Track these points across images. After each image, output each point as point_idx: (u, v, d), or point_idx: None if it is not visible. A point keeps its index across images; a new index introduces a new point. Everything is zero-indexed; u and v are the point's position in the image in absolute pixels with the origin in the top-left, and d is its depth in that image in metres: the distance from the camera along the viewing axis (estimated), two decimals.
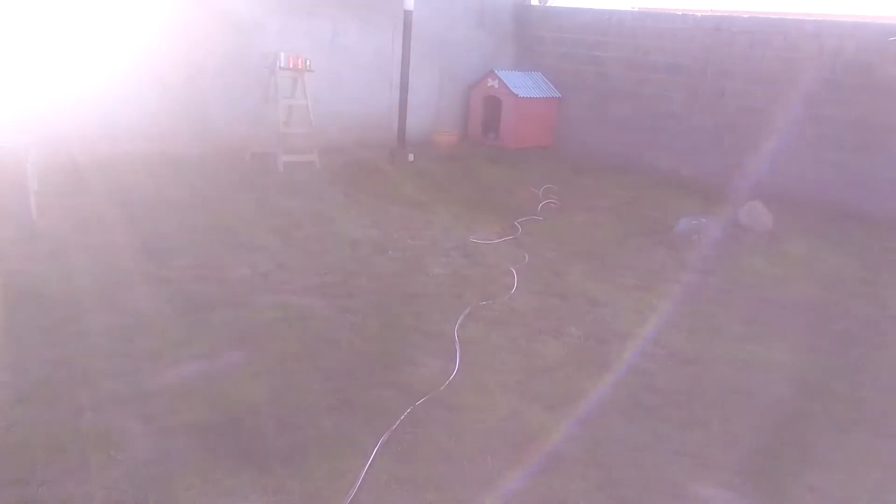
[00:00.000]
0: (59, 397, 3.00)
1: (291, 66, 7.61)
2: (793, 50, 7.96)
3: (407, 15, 8.16)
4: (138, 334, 3.63)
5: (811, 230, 6.80)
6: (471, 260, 5.30)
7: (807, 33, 7.89)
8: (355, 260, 5.04)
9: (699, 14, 9.01)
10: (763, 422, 3.34)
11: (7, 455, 2.63)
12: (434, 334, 3.95)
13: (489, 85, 9.90)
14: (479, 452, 2.88)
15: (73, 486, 2.48)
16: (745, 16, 8.58)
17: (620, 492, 2.71)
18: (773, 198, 7.22)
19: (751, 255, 5.92)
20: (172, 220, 5.53)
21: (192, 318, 3.86)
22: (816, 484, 2.86)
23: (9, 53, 6.43)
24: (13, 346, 3.42)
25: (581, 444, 3.00)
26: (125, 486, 2.50)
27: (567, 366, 3.72)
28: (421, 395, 3.24)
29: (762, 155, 8.23)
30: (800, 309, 4.83)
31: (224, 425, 2.90)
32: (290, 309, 4.11)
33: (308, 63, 7.69)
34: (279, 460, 2.71)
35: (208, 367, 3.36)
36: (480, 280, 4.90)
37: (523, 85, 9.87)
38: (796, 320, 4.63)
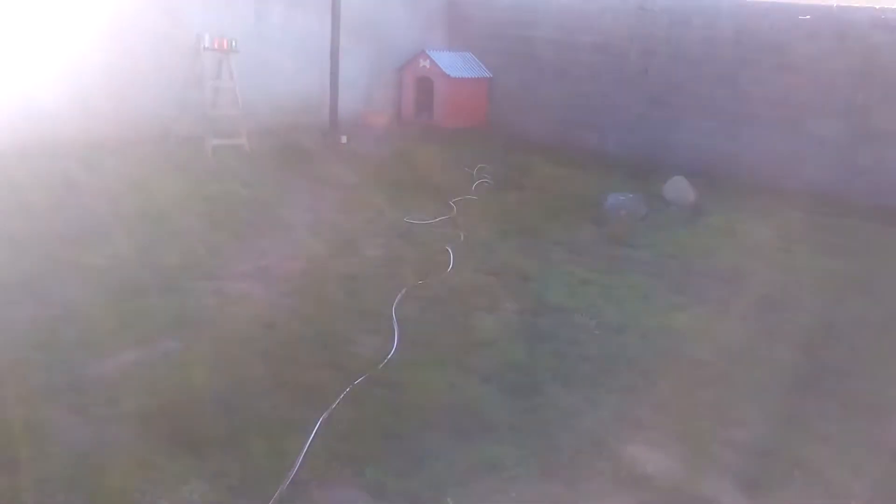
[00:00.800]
0: None
1: (216, 46, 7.42)
2: (711, 28, 8.30)
3: None
4: (67, 325, 3.53)
5: (732, 204, 7.14)
6: (406, 240, 5.35)
7: (724, 12, 8.24)
8: (289, 243, 5.02)
9: None
10: (686, 384, 3.54)
11: None
12: (371, 314, 4.00)
13: (421, 65, 9.91)
14: (418, 427, 2.96)
15: (3, 481, 2.42)
16: None
17: (554, 456, 2.85)
18: (696, 173, 7.56)
19: (674, 228, 6.20)
20: (98, 207, 5.35)
21: (124, 307, 3.78)
22: (734, 440, 3.07)
23: None
24: None
25: (516, 413, 3.12)
26: (58, 478, 2.46)
27: (503, 339, 3.84)
28: (359, 374, 3.29)
29: (685, 131, 8.58)
30: (721, 277, 5.11)
31: (161, 412, 2.87)
32: (225, 294, 4.07)
33: (234, 44, 7.51)
34: (218, 443, 2.71)
35: (143, 356, 3.31)
36: (416, 260, 4.96)
37: (455, 65, 9.94)
38: (718, 288, 4.90)
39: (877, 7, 7.41)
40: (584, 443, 2.96)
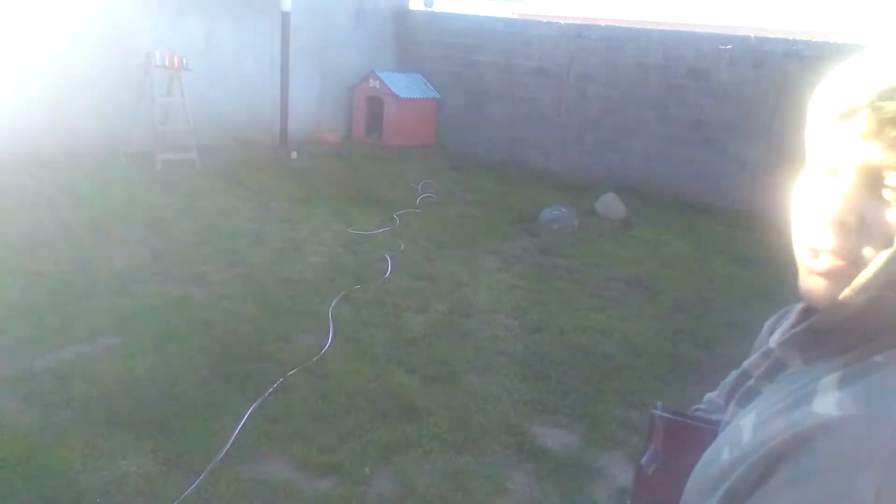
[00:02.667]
0: None
1: (167, 64, 7.64)
2: (643, 56, 8.89)
3: (284, 16, 8.42)
4: (13, 324, 3.73)
5: (659, 218, 7.65)
6: (348, 249, 5.66)
7: (654, 41, 8.84)
8: (233, 251, 5.28)
9: (562, 22, 9.82)
10: (593, 374, 3.92)
11: None
12: (309, 314, 4.29)
13: (371, 85, 10.28)
14: (344, 410, 3.26)
15: None
16: (603, 24, 9.47)
17: (466, 434, 3.18)
18: (629, 190, 8.06)
19: (603, 240, 6.65)
20: (45, 217, 5.53)
21: (68, 308, 4.00)
22: (624, 419, 3.45)
23: None
24: None
25: (436, 399, 3.45)
26: (4, 457, 2.69)
27: (430, 336, 4.17)
28: (294, 367, 3.58)
29: (619, 151, 9.12)
30: (640, 284, 5.55)
31: (103, 399, 3.12)
32: (167, 296, 4.31)
33: (184, 61, 7.75)
34: (155, 425, 2.97)
35: (87, 351, 3.54)
36: (356, 266, 5.27)
37: (404, 86, 10.34)
38: (636, 293, 5.33)
39: (789, 38, 8.08)
40: (496, 423, 3.30)
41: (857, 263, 0.62)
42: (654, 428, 0.90)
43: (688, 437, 0.85)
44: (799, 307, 0.76)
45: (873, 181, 0.62)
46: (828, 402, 0.59)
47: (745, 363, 0.80)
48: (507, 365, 3.90)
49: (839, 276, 0.63)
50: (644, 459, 0.90)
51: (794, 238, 0.72)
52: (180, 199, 6.51)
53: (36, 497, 2.52)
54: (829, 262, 0.65)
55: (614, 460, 3.12)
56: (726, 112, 8.40)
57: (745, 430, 0.66)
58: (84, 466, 2.65)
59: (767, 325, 0.85)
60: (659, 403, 0.91)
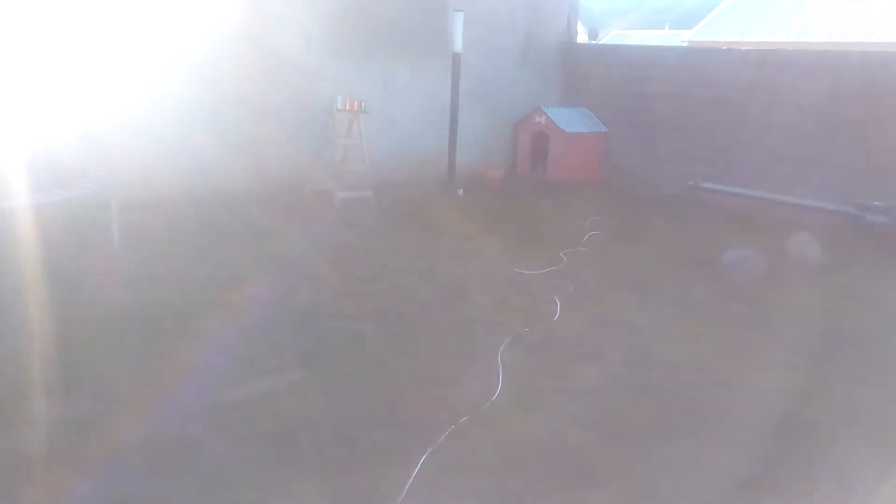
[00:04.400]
0: (144, 411, 3.37)
1: (348, 107, 8.09)
2: (839, 82, 8.02)
3: (455, 57, 8.61)
4: (208, 356, 3.99)
5: (861, 263, 6.75)
6: (516, 289, 5.54)
7: (853, 65, 7.95)
8: (405, 289, 5.35)
9: (744, 48, 9.16)
10: (799, 444, 3.44)
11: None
12: (477, 356, 4.20)
13: (537, 121, 10.22)
14: (518, 466, 3.09)
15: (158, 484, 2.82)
16: (791, 49, 8.70)
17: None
18: (821, 229, 7.24)
19: (797, 286, 5.96)
20: (236, 253, 5.97)
21: (257, 341, 4.22)
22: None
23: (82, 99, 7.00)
24: (100, 364, 3.83)
25: (617, 463, 3.18)
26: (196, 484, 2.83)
27: (607, 389, 3.91)
28: (464, 413, 3.48)
29: (810, 187, 8.25)
30: (844, 339, 4.87)
31: (288, 436, 3.22)
32: (346, 333, 4.43)
33: (363, 105, 8.16)
34: (335, 466, 3.00)
35: (273, 385, 3.69)
36: (524, 308, 5.13)
37: (570, 120, 10.16)
38: (841, 350, 4.68)
39: None
40: (686, 497, 2.96)
41: None
42: None
43: None
44: None
45: None
46: None
47: None
48: (696, 427, 3.53)
49: None
50: None
51: None
52: (357, 235, 6.79)
53: None
54: None
55: None
56: None
57: None
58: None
59: None
60: None
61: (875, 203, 6.64)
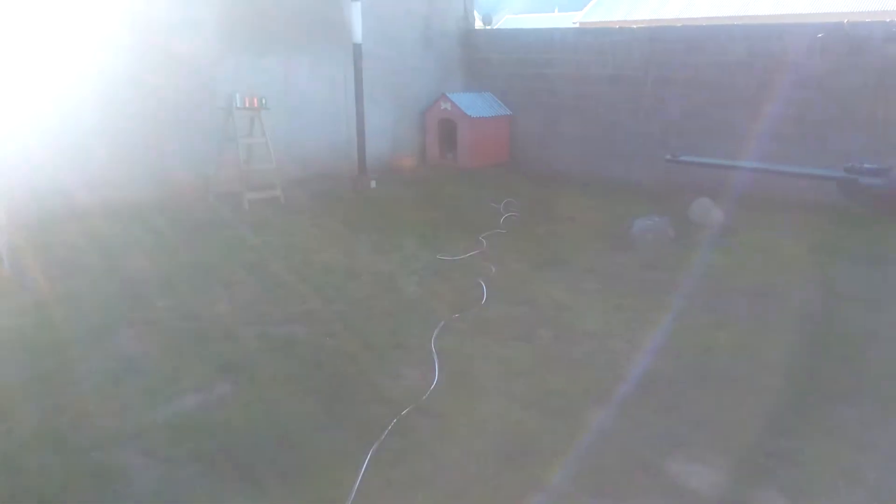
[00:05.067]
0: (61, 441, 3.12)
1: (247, 105, 7.79)
2: (724, 53, 8.46)
3: (356, 48, 8.46)
4: (127, 376, 3.75)
5: (761, 221, 7.18)
6: (440, 277, 5.53)
7: (736, 37, 8.40)
8: (330, 287, 5.23)
9: (635, 27, 9.50)
10: (726, 400, 3.60)
11: (19, 499, 2.74)
12: (411, 348, 4.16)
13: (442, 108, 10.23)
14: (465, 452, 3.08)
15: None
16: (679, 25, 9.09)
17: (600, 475, 2.94)
18: (720, 194, 7.64)
19: (704, 249, 6.27)
20: (144, 264, 5.63)
21: (178, 356, 4.00)
22: (773, 449, 3.13)
23: None
24: (10, 396, 3.52)
25: (560, 436, 3.23)
26: None
27: (540, 366, 3.96)
28: (405, 407, 3.43)
29: (706, 154, 8.68)
30: (757, 294, 5.16)
31: (225, 451, 3.05)
32: (272, 338, 4.27)
33: (263, 101, 7.88)
34: (279, 476, 2.88)
35: (202, 400, 3.50)
36: (451, 294, 5.12)
37: (475, 105, 10.23)
38: (755, 305, 4.95)
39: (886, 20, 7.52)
40: (626, 461, 3.04)
41: None
42: None
43: None
44: None
45: None
46: None
47: None
48: (630, 394, 3.64)
49: None
50: None
51: None
52: (271, 237, 6.56)
53: None
54: None
55: (772, 496, 2.82)
56: (824, 104, 7.88)
57: None
58: None
59: None
60: None
61: (866, 165, 6.86)
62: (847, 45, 7.67)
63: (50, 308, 4.66)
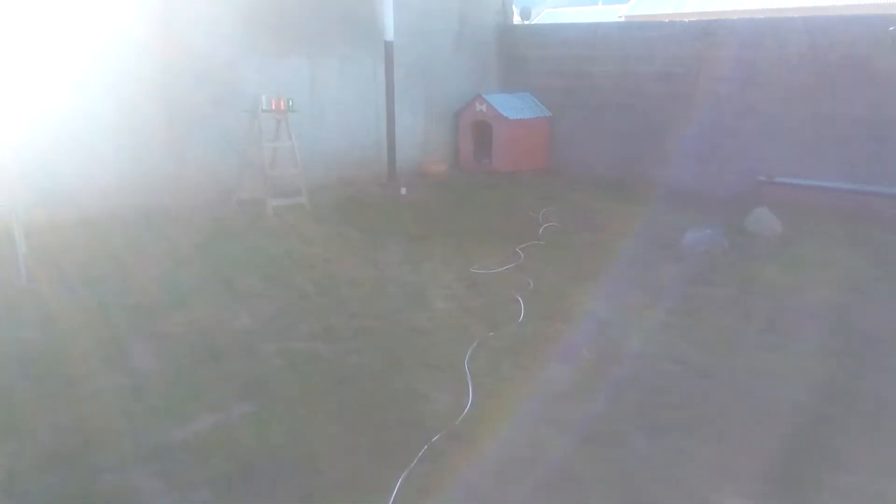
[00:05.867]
0: (73, 462, 3.19)
1: (274, 107, 7.89)
2: (783, 48, 8.31)
3: (388, 46, 8.52)
4: (144, 393, 3.82)
5: (822, 233, 7.02)
6: (474, 291, 5.52)
7: (797, 30, 8.25)
8: (355, 300, 5.26)
9: (686, 20, 9.39)
10: (783, 429, 3.52)
11: None
12: (442, 368, 4.15)
13: (477, 109, 10.24)
14: (500, 481, 3.06)
15: None
16: (734, 18, 8.97)
17: None
18: (779, 202, 7.50)
19: (761, 263, 6.15)
20: (163, 274, 5.74)
21: (198, 373, 4.06)
22: (834, 485, 3.04)
23: None
24: (22, 413, 3.61)
25: (601, 465, 3.19)
26: None
27: (581, 389, 3.92)
28: (436, 431, 3.43)
29: (763, 159, 8.52)
30: (814, 314, 5.04)
31: (244, 474, 3.09)
32: (294, 355, 4.31)
33: (290, 103, 7.98)
34: (299, 502, 2.89)
35: (222, 420, 3.55)
36: (486, 310, 5.11)
37: (512, 106, 10.21)
38: (812, 325, 4.84)
39: None
40: (672, 494, 2.99)
41: None
42: None
43: None
44: None
45: None
46: None
47: None
48: (677, 422, 3.58)
49: None
50: None
51: None
52: (295, 246, 6.63)
53: None
54: None
55: None
56: (894, 102, 7.67)
57: None
58: None
59: None
60: None
61: None
62: None
63: (63, 321, 4.77)
